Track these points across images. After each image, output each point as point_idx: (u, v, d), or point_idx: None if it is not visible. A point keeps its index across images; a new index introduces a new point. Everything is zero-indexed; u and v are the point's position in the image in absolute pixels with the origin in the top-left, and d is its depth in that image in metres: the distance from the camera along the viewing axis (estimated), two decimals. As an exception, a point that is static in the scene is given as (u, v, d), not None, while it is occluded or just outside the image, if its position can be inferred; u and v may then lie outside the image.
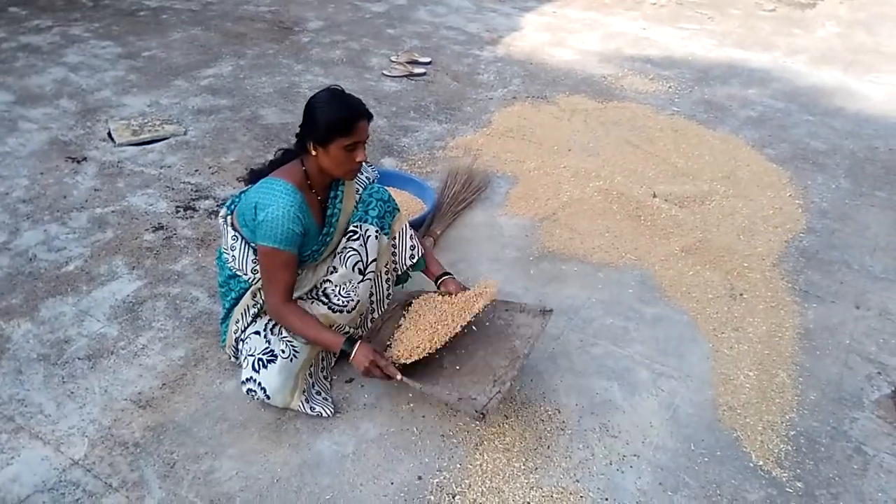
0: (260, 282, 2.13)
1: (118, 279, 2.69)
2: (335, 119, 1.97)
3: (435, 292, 2.36)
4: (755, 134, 4.26)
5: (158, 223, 3.06)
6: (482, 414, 1.89)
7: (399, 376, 2.01)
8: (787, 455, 2.11)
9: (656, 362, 2.44)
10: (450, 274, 2.40)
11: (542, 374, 2.36)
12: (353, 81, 4.74)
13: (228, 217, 2.21)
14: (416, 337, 2.10)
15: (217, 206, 3.20)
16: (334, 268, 2.19)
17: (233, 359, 2.29)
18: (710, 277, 2.89)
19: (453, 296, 2.26)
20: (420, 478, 1.97)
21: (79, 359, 2.31)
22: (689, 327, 2.62)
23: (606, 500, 1.94)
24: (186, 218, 3.11)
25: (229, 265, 2.20)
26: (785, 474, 2.04)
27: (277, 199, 1.99)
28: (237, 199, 2.24)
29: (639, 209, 3.30)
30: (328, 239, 2.19)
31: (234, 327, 2.22)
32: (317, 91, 2.07)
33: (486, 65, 5.23)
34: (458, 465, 2.00)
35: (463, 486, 1.94)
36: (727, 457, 2.09)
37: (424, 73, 4.94)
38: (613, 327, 2.60)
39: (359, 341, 2.05)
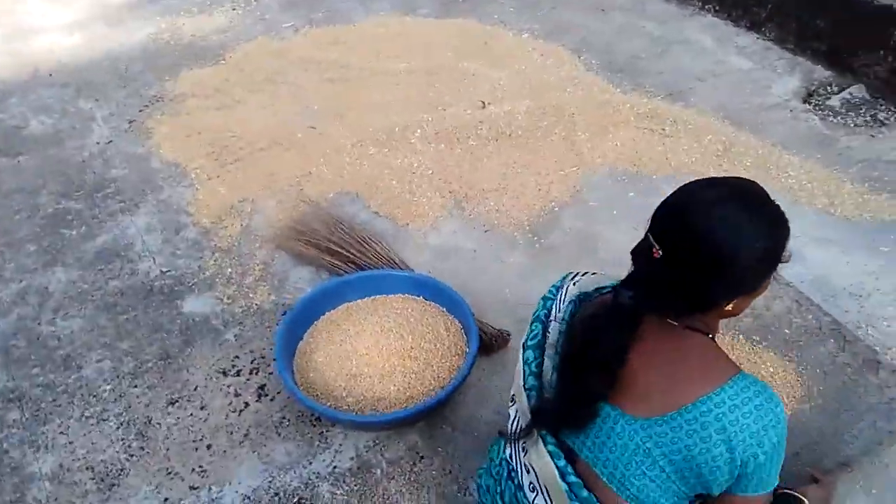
0: None
1: None
2: (786, 241, 1.16)
3: None
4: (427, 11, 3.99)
5: None
6: None
7: None
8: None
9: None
10: None
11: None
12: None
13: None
14: None
15: None
16: None
17: None
18: (626, 136, 2.86)
19: None
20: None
21: None
22: (677, 182, 2.58)
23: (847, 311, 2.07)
24: None
25: None
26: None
27: (773, 408, 1.10)
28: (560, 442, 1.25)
29: (492, 129, 2.89)
30: None
31: None
32: (727, 196, 1.14)
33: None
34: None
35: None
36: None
37: None
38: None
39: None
